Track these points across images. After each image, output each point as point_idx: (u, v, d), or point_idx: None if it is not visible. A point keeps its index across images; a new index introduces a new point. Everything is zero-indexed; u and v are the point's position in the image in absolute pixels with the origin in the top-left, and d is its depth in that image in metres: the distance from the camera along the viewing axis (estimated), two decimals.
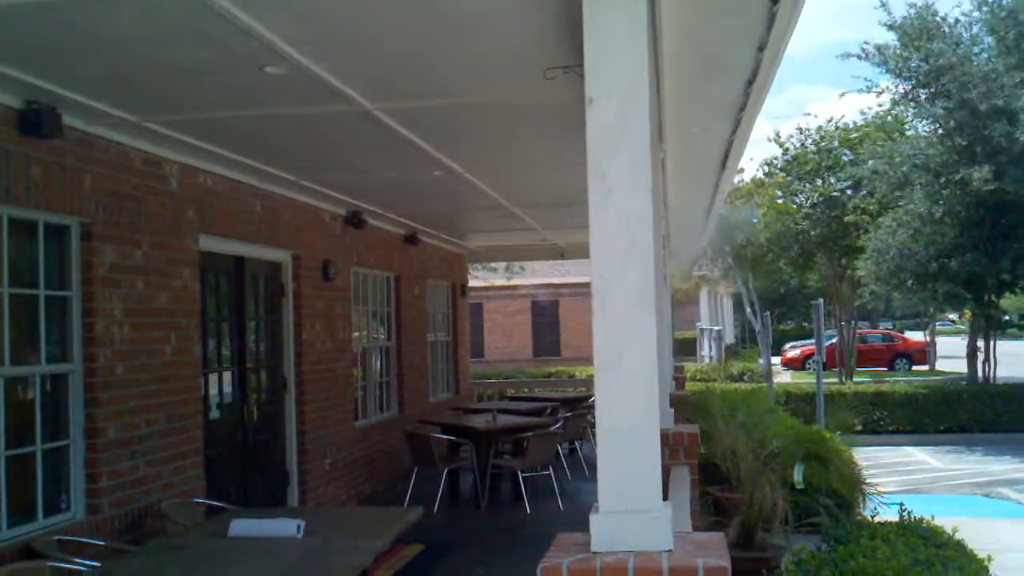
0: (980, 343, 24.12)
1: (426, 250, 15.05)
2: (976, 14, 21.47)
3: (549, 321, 39.97)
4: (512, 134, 7.43)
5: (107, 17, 4.56)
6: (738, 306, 46.58)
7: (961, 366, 27.85)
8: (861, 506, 7.83)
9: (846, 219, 25.58)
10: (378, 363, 13.30)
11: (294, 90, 5.82)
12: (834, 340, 31.66)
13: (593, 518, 3.10)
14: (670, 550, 3.05)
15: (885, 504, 7.57)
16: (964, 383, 24.22)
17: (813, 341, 38.60)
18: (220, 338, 8.85)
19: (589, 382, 19.98)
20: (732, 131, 7.22)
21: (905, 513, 6.21)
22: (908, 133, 24.04)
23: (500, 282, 27.17)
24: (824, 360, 15.97)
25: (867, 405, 21.60)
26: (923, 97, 21.23)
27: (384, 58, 5.27)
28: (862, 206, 25.01)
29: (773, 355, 30.26)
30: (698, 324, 40.46)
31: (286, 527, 5.42)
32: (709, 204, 11.82)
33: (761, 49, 4.88)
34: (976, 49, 21.30)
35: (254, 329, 9.57)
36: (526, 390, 18.54)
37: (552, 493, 11.66)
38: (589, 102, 3.15)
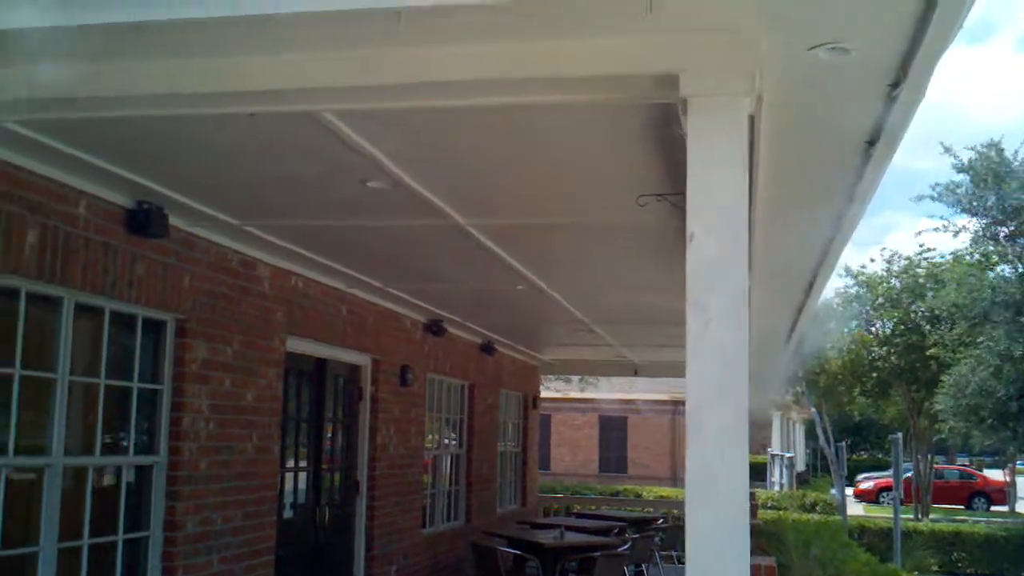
0: None
1: (501, 360, 15.13)
2: None
3: (617, 436, 39.58)
4: (598, 254, 7.55)
5: (219, 131, 4.80)
6: (810, 432, 45.73)
7: None
8: None
9: (928, 352, 25.20)
10: (448, 471, 13.29)
11: (392, 204, 6.01)
12: (909, 474, 30.85)
13: None
14: None
15: None
16: None
17: (888, 473, 37.70)
18: (298, 437, 8.96)
19: (657, 503, 19.74)
20: (820, 260, 7.24)
21: None
22: (992, 271, 23.84)
23: (574, 394, 27.10)
24: (901, 496, 15.58)
25: (945, 544, 20.92)
26: (1002, 235, 21.18)
27: (481, 181, 5.47)
28: (944, 339, 24.66)
29: (846, 486, 29.57)
30: (769, 449, 39.74)
31: None
32: (789, 332, 11.77)
33: (855, 185, 4.95)
34: None
35: (331, 430, 9.68)
36: (592, 507, 18.30)
37: None
38: (690, 237, 3.24)
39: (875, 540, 20.01)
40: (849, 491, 35.91)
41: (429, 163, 5.21)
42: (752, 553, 7.24)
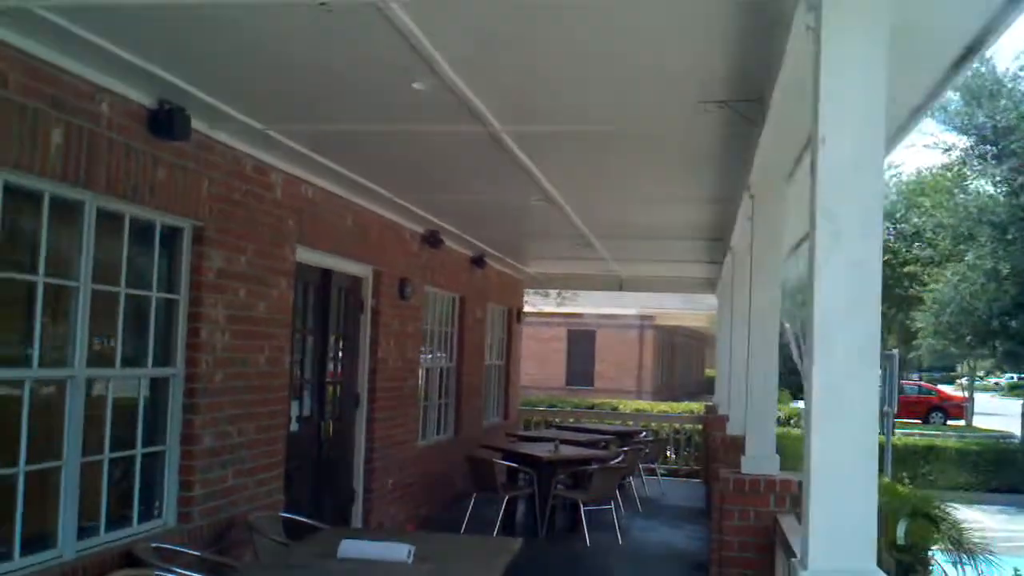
0: None
1: (488, 273, 14.93)
2: None
3: (585, 350, 39.73)
4: (628, 165, 7.34)
5: (265, 22, 4.50)
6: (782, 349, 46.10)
7: (999, 424, 27.39)
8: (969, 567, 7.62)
9: (905, 269, 25.34)
10: (438, 384, 13.16)
11: (431, 108, 5.74)
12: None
13: (803, 575, 2.95)
14: None
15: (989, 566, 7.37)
16: (1016, 442, 23.81)
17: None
18: (304, 350, 8.75)
19: (634, 416, 19.77)
20: None
21: None
22: (970, 189, 23.89)
23: (550, 308, 26.98)
24: (896, 411, 15.71)
25: (917, 459, 21.25)
26: (989, 155, 21.13)
27: (533, 79, 5.18)
28: (921, 257, 24.78)
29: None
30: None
31: (397, 551, 5.28)
32: None
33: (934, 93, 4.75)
34: None
35: (334, 343, 9.47)
36: (572, 420, 18.33)
37: (608, 527, 11.50)
38: (821, 141, 3.03)
39: None
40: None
41: (488, 65, 4.93)
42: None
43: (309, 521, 7.35)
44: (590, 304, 35.24)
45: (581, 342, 39.71)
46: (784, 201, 6.65)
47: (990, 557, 7.85)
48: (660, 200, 8.66)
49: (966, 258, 21.55)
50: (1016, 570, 6.19)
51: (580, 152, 6.98)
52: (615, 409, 21.22)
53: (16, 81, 4.73)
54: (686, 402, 29.60)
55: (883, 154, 3.03)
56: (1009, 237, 19.65)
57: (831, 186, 3.02)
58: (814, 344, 3.01)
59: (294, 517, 7.40)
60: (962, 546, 7.32)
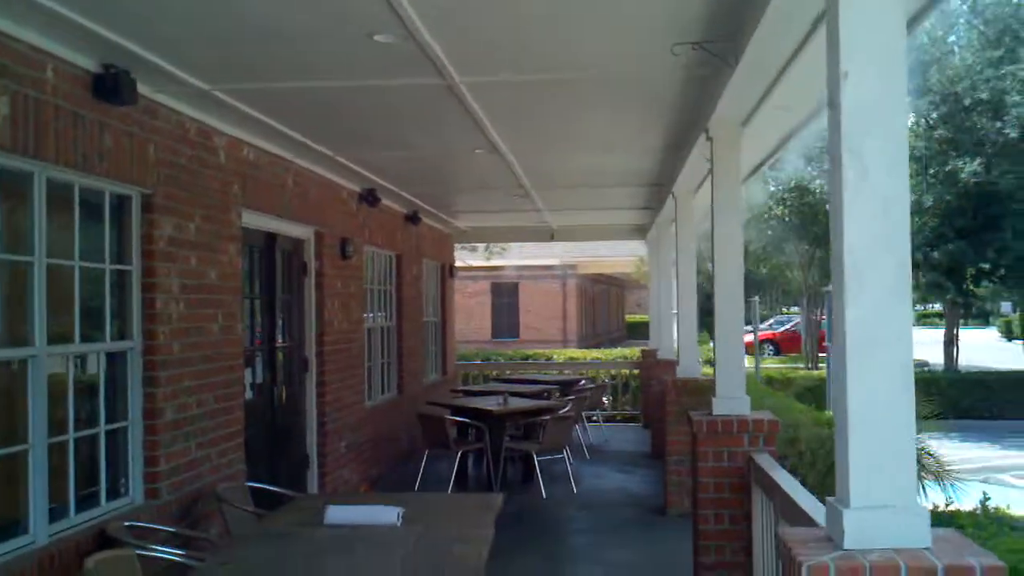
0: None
1: (421, 230, 14.76)
2: (961, 7, 21.77)
3: (509, 302, 39.82)
4: (584, 113, 7.22)
5: None
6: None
7: (914, 354, 28.00)
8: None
9: (827, 206, 25.65)
10: (381, 344, 13.02)
11: (388, 61, 5.56)
12: (793, 325, 31.77)
13: (846, 513, 2.93)
14: (929, 547, 2.90)
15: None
16: (940, 370, 24.48)
17: (765, 327, 38.89)
18: (253, 316, 8.55)
19: (571, 365, 19.85)
20: None
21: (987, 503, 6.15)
22: None
23: (478, 263, 26.92)
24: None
25: None
26: (909, 90, 21.48)
27: (505, 23, 5.00)
28: None
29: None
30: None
31: (386, 515, 5.19)
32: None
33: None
34: (959, 41, 21.59)
35: (281, 308, 9.27)
36: (509, 372, 18.34)
37: (559, 477, 11.57)
38: (844, 76, 2.97)
39: (783, 390, 20.64)
40: None
41: (458, 10, 4.76)
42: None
43: (277, 489, 7.23)
44: (515, 256, 35.29)
45: (505, 295, 39.77)
46: (739, 143, 6.64)
47: (958, 482, 8.04)
48: (609, 148, 8.59)
49: None
50: (984, 494, 6.34)
51: (537, 102, 6.86)
52: (549, 359, 21.27)
53: None
54: (610, 348, 29.88)
55: (906, 85, 2.99)
56: (932, 171, 20.08)
57: (856, 122, 2.97)
58: (844, 283, 2.97)
59: (262, 486, 7.25)
60: (941, 475, 7.45)
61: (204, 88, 6.15)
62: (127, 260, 6.23)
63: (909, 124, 22.40)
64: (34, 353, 5.18)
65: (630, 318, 62.89)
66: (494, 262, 29.51)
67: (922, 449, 7.27)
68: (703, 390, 9.98)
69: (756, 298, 16.32)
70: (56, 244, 5.42)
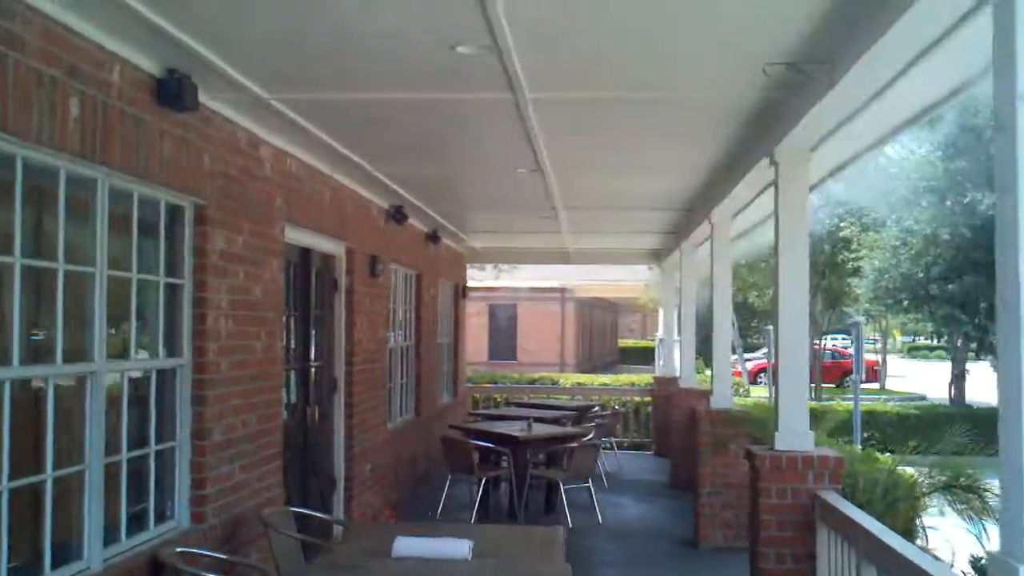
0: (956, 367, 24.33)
1: (440, 249, 14.56)
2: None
3: (507, 324, 39.60)
4: (642, 132, 7.06)
5: None
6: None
7: (907, 386, 27.95)
8: None
9: (841, 234, 25.54)
10: (401, 364, 12.79)
11: (462, 74, 5.39)
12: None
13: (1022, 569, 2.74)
14: None
15: None
16: (949, 405, 24.30)
17: (759, 356, 38.65)
18: (290, 334, 8.32)
19: (579, 390, 19.61)
20: None
21: None
22: (903, 153, 24.21)
23: (490, 283, 26.70)
24: (863, 377, 15.76)
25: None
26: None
27: (599, 36, 4.80)
28: (852, 223, 24.97)
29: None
30: (657, 334, 40.22)
31: (457, 548, 4.97)
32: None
33: None
34: None
35: (313, 325, 9.05)
36: (526, 396, 18.07)
37: (582, 506, 11.31)
38: (1020, 98, 2.81)
39: (815, 424, 20.30)
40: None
41: (554, 21, 4.58)
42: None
43: (320, 515, 6.99)
44: (512, 278, 35.08)
45: (503, 316, 39.56)
46: (808, 169, 6.47)
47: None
48: (654, 169, 8.43)
49: (906, 224, 21.81)
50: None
51: (596, 121, 6.69)
52: (555, 383, 21.03)
53: (34, 45, 4.26)
54: (613, 374, 29.65)
55: None
56: (948, 203, 19.94)
57: None
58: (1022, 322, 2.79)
59: (305, 512, 7.01)
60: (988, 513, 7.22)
61: (262, 96, 5.95)
62: (179, 273, 6.01)
63: (924, 154, 22.44)
64: (94, 369, 4.95)
65: (623, 343, 62.64)
66: (491, 283, 29.21)
67: (985, 489, 7.06)
68: (738, 421, 9.82)
69: (770, 327, 16.13)
70: (116, 254, 5.21)
